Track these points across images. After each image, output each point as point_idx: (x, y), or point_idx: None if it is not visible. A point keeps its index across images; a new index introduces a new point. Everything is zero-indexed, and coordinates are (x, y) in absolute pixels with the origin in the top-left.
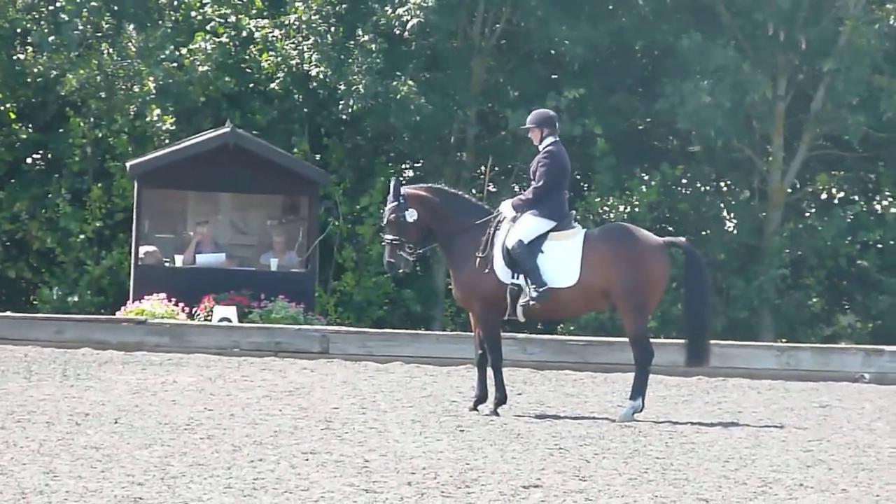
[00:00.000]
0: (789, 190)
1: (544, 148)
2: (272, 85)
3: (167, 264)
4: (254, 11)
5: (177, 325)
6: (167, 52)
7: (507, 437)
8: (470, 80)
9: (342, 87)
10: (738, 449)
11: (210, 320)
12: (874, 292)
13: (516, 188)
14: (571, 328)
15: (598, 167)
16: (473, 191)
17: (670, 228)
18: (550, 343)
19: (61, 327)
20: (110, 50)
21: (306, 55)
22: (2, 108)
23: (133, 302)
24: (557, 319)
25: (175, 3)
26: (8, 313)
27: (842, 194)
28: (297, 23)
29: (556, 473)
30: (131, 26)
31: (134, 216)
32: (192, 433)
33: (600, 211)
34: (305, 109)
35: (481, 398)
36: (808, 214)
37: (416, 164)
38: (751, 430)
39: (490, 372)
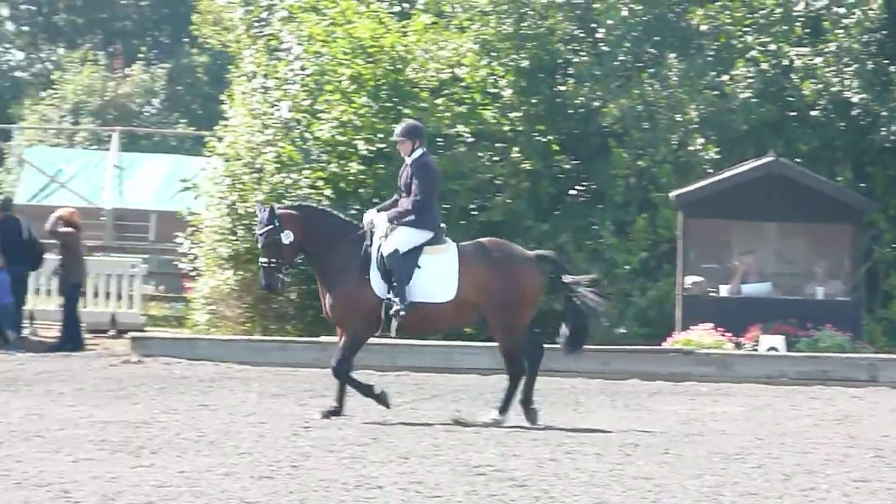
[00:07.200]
0: None
1: (414, 160)
2: (813, 112)
3: (712, 294)
4: (794, 39)
5: (724, 355)
6: (707, 79)
7: None
8: None
9: (884, 114)
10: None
11: (757, 350)
12: None
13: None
14: None
15: None
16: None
17: None
18: None
19: (608, 359)
20: (652, 79)
21: (847, 82)
22: (545, 139)
23: (679, 332)
24: (429, 333)
25: (715, 31)
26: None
27: None
28: (837, 50)
29: None
30: (672, 55)
31: (679, 246)
32: (742, 462)
33: None
34: (847, 137)
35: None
36: None
37: None
38: None
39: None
